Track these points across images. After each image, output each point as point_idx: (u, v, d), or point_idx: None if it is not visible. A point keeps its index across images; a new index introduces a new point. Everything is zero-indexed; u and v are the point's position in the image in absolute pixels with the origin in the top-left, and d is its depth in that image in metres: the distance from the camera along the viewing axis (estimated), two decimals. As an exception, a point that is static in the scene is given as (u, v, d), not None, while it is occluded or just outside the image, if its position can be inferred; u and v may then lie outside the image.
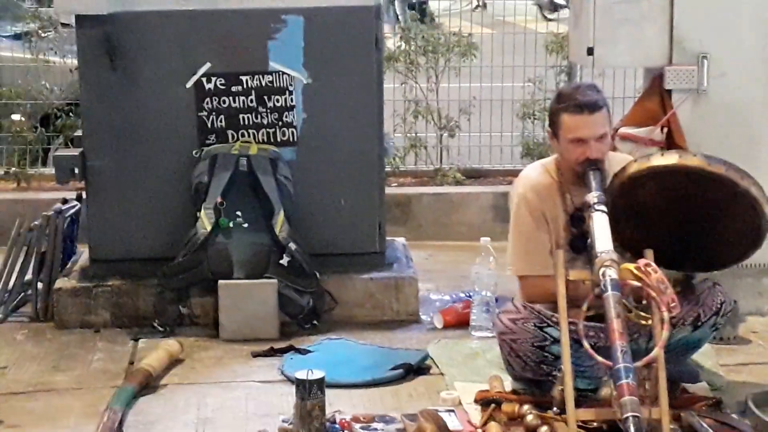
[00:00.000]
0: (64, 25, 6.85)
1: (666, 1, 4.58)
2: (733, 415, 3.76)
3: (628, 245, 3.90)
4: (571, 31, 5.07)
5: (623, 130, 4.59)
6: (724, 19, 4.60)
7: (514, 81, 6.82)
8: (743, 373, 4.20)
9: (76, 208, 5.17)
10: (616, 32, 4.59)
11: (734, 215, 3.84)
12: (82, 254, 5.08)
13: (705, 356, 4.22)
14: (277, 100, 4.83)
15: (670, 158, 3.88)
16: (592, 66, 4.78)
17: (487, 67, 6.86)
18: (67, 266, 5.02)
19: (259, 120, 4.84)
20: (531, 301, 4.01)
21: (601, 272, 3.64)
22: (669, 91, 4.63)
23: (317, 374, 3.68)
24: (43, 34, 6.89)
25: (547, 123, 4.12)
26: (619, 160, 4.05)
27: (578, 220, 3.97)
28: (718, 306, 3.94)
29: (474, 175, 6.73)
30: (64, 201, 5.19)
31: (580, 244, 3.95)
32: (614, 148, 4.12)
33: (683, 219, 3.89)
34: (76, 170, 4.83)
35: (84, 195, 5.00)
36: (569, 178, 4.01)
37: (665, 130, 4.56)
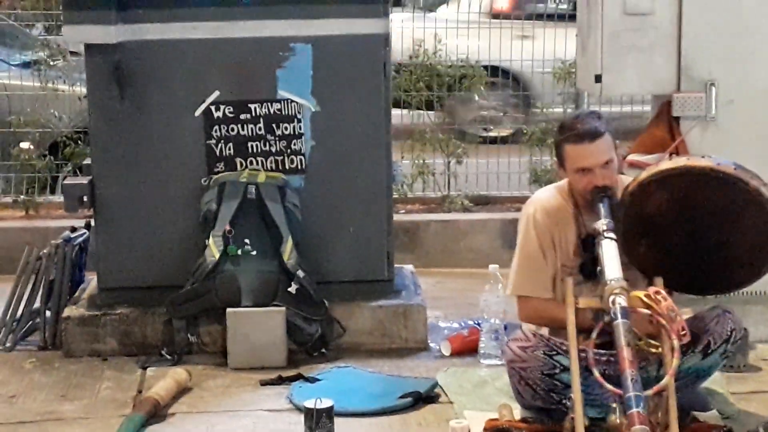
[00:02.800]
0: (72, 53, 6.88)
1: (674, 29, 4.59)
2: (745, 444, 3.75)
3: (641, 265, 3.89)
4: (578, 58, 5.08)
5: (632, 157, 4.59)
6: (731, 46, 4.61)
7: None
8: (754, 402, 4.18)
9: (85, 236, 5.17)
10: (624, 60, 4.60)
11: (747, 224, 3.81)
12: (91, 282, 5.08)
13: (715, 384, 4.20)
14: (286, 128, 4.84)
15: (679, 161, 3.90)
16: (599, 93, 4.79)
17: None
18: (76, 294, 5.01)
19: (267, 148, 4.85)
20: (527, 322, 4.05)
21: (610, 300, 3.63)
22: (677, 119, 4.64)
23: (326, 403, 3.67)
24: (52, 63, 6.91)
25: (553, 154, 4.12)
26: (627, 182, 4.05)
27: (590, 245, 3.96)
28: (728, 333, 3.92)
29: (481, 202, 6.74)
30: (73, 229, 5.19)
31: (589, 270, 3.95)
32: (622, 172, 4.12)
33: (695, 232, 3.87)
34: (86, 198, 4.83)
35: (92, 223, 5.01)
36: (582, 204, 4.00)
37: (674, 157, 4.56)
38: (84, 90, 5.30)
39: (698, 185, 3.82)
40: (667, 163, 3.91)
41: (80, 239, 5.15)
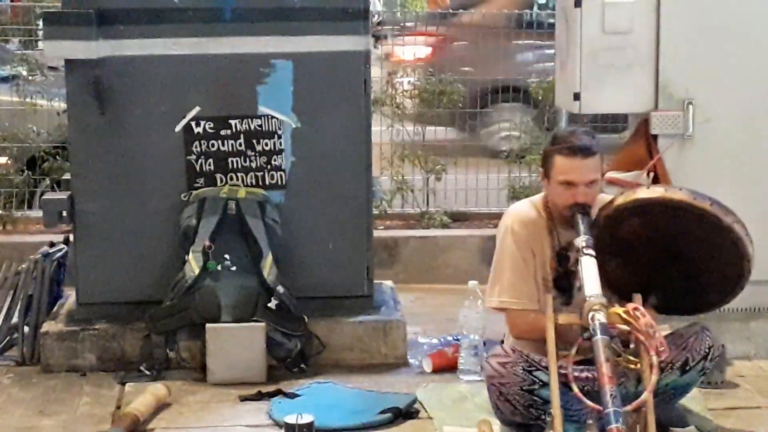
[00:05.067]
0: (51, 68, 6.86)
1: (652, 48, 4.64)
2: (722, 459, 3.78)
3: (612, 283, 3.92)
4: (557, 76, 5.12)
5: (610, 174, 4.63)
6: (709, 65, 4.66)
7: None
8: (731, 418, 4.21)
9: (63, 251, 5.16)
10: (603, 78, 4.64)
11: (718, 255, 3.87)
12: (69, 298, 5.06)
13: (693, 400, 4.22)
14: (266, 144, 4.85)
15: (656, 191, 3.93)
16: (578, 111, 4.82)
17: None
18: (54, 310, 4.99)
19: (247, 163, 4.86)
20: (519, 336, 4.03)
21: (590, 316, 3.65)
22: (655, 136, 4.68)
23: (306, 418, 3.67)
24: (30, 78, 6.90)
25: (540, 164, 4.15)
26: (605, 201, 4.08)
27: (563, 259, 3.99)
28: (707, 350, 3.95)
29: (460, 218, 6.76)
30: (51, 244, 5.17)
31: (563, 283, 3.98)
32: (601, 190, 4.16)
33: (667, 258, 3.91)
34: (65, 213, 4.82)
35: (71, 238, 4.99)
36: (557, 218, 4.03)
37: (651, 174, 4.60)
38: (62, 105, 5.29)
39: (673, 216, 3.87)
40: (645, 192, 3.94)
41: (59, 254, 5.13)
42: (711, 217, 3.79)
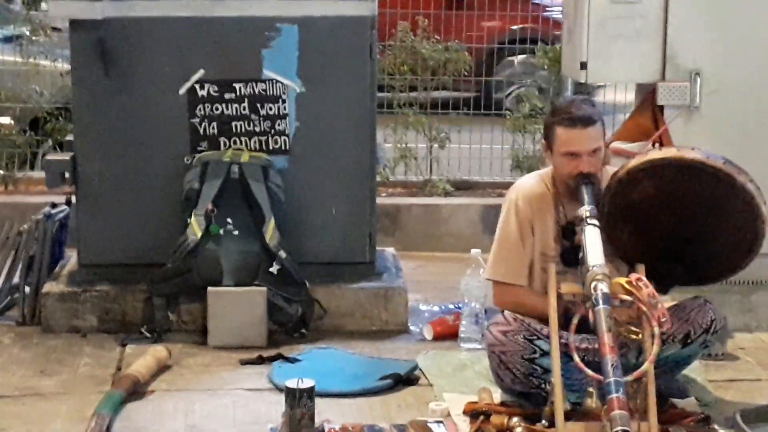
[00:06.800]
0: (54, 29, 6.84)
1: (660, 18, 4.61)
2: (721, 431, 3.77)
3: (622, 251, 3.91)
4: (564, 45, 5.09)
5: (615, 144, 4.61)
6: (716, 36, 4.63)
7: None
8: (731, 390, 4.21)
9: (65, 212, 5.15)
10: (610, 48, 4.61)
11: (731, 217, 3.84)
12: (71, 259, 5.07)
13: (693, 372, 4.23)
14: (270, 108, 4.83)
15: (669, 152, 3.92)
16: (585, 80, 4.79)
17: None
18: (55, 270, 5.00)
19: (251, 128, 4.84)
20: (502, 308, 4.06)
21: (592, 286, 3.64)
22: (661, 107, 4.66)
23: (307, 383, 3.67)
24: (34, 38, 6.87)
25: (541, 136, 4.14)
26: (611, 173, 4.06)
27: (570, 233, 3.98)
28: (709, 323, 3.95)
29: (463, 187, 6.75)
30: (53, 205, 5.17)
31: (571, 258, 3.97)
32: (608, 162, 4.14)
33: (679, 222, 3.89)
34: (67, 174, 4.81)
35: (73, 199, 4.99)
36: (563, 191, 4.02)
37: (657, 145, 4.58)
38: (66, 66, 5.26)
39: (686, 177, 3.84)
40: (657, 153, 3.92)
41: (61, 215, 5.13)
42: (724, 176, 3.76)
